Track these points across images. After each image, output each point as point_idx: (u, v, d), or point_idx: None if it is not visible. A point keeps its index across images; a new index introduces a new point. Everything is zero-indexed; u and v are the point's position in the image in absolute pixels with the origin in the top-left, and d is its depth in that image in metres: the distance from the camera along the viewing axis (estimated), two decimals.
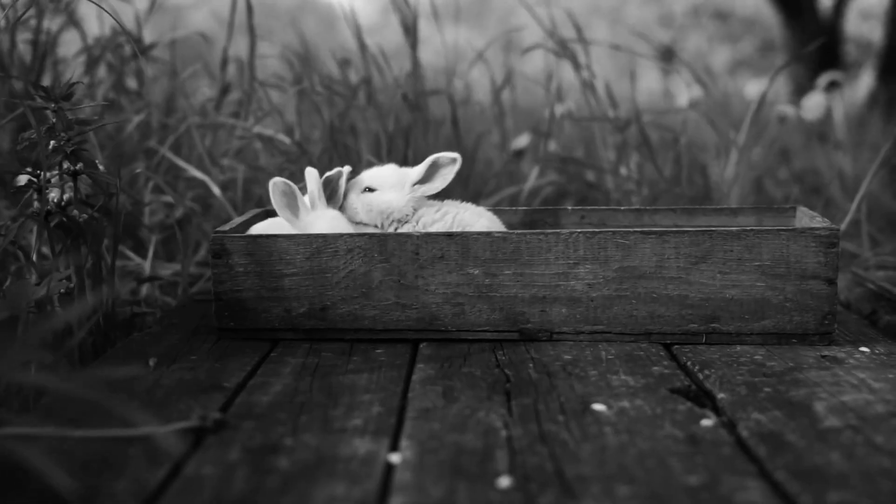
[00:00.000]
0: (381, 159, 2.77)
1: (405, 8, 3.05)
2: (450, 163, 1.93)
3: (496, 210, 2.13)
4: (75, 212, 1.83)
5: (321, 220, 1.87)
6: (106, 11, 2.15)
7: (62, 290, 1.77)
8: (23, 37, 2.84)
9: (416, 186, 1.93)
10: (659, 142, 3.61)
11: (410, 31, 3.09)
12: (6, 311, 1.59)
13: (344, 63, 3.29)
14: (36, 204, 1.82)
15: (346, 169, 1.99)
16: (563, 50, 3.18)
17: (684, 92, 4.06)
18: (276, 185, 1.86)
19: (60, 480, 1.04)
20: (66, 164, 1.82)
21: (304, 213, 1.88)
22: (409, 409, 1.43)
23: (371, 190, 1.94)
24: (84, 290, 1.85)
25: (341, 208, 1.96)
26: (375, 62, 3.20)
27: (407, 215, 1.92)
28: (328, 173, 1.95)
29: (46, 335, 1.72)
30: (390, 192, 1.93)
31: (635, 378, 1.56)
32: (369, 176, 1.96)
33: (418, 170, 1.93)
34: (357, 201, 1.94)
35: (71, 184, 1.83)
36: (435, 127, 3.19)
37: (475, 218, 1.92)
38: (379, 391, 1.51)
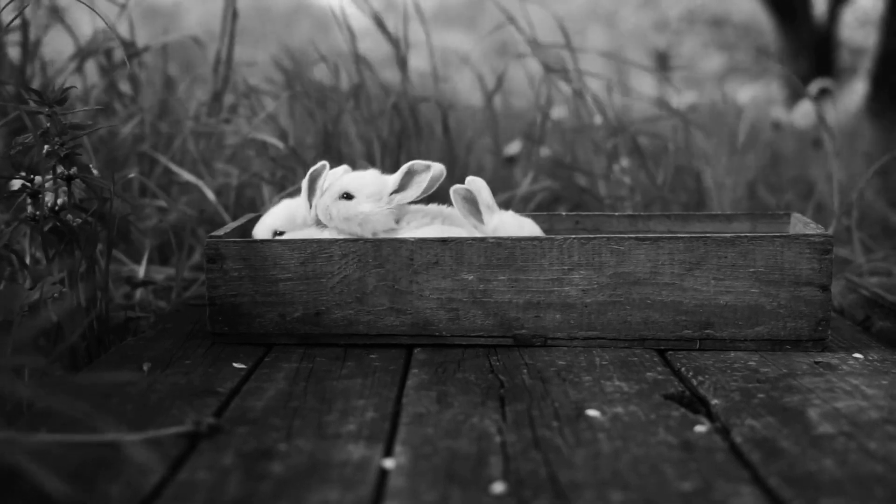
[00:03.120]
0: (373, 164, 2.77)
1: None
2: (424, 169, 1.90)
3: None
4: (69, 216, 1.83)
5: (508, 224, 1.88)
6: (98, 14, 2.15)
7: (55, 295, 1.77)
8: (11, 38, 2.83)
9: (392, 196, 1.92)
10: (652, 148, 3.61)
11: (400, 61, 3.09)
12: None
13: (334, 67, 3.28)
14: (30, 208, 1.82)
15: (343, 168, 1.98)
16: (549, 64, 3.18)
17: (676, 97, 4.07)
18: (456, 191, 1.86)
19: (54, 485, 1.04)
20: (59, 169, 1.82)
21: (489, 217, 1.88)
22: (403, 414, 1.43)
23: (349, 196, 1.92)
24: (77, 294, 1.85)
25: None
26: (368, 67, 3.20)
27: (393, 228, 1.91)
28: (313, 167, 1.94)
29: (39, 339, 1.71)
30: (367, 203, 1.90)
31: (629, 384, 1.57)
32: (349, 179, 1.92)
33: (394, 178, 1.92)
34: (333, 207, 1.90)
35: (65, 188, 1.83)
36: (427, 132, 3.19)
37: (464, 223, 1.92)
38: (373, 396, 1.51)
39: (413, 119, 3.02)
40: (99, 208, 1.87)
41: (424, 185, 1.90)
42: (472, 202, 1.87)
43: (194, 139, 2.93)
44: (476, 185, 1.89)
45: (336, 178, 1.95)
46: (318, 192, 1.93)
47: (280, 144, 2.87)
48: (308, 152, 2.96)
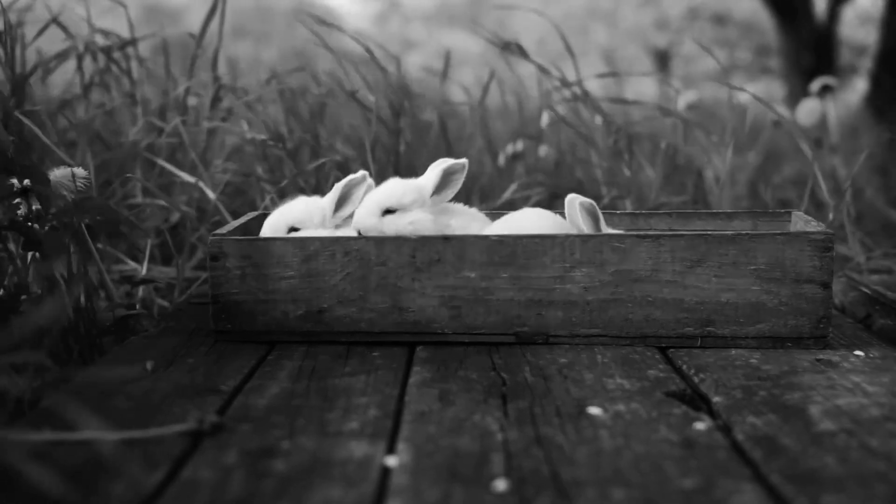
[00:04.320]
0: (365, 163, 2.78)
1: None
2: (461, 169, 1.91)
3: (493, 213, 2.13)
4: (35, 226, 1.81)
5: None
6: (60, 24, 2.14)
7: (30, 297, 1.76)
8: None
9: (433, 198, 1.92)
10: (652, 146, 3.61)
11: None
12: None
13: (332, 66, 3.28)
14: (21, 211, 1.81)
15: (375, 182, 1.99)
16: (547, 65, 3.18)
17: (679, 96, 4.06)
18: (582, 205, 1.86)
19: (51, 486, 1.04)
20: (13, 181, 1.80)
21: (606, 228, 1.89)
22: (405, 412, 1.43)
23: (391, 211, 1.90)
24: (62, 296, 1.83)
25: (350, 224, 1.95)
26: (369, 65, 3.19)
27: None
28: (352, 176, 1.94)
29: (24, 341, 1.70)
30: (413, 211, 1.90)
31: (631, 381, 1.57)
32: (385, 197, 1.90)
33: (432, 180, 1.90)
34: (384, 226, 1.88)
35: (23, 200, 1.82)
36: (425, 131, 3.19)
37: (482, 225, 1.93)
38: (375, 394, 1.51)
39: (411, 118, 3.01)
40: (66, 215, 1.85)
41: (461, 182, 1.92)
42: (594, 215, 1.87)
43: (192, 137, 2.92)
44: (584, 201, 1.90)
45: (367, 191, 1.96)
46: (355, 202, 1.94)
47: (261, 137, 2.86)
48: (303, 150, 2.95)
